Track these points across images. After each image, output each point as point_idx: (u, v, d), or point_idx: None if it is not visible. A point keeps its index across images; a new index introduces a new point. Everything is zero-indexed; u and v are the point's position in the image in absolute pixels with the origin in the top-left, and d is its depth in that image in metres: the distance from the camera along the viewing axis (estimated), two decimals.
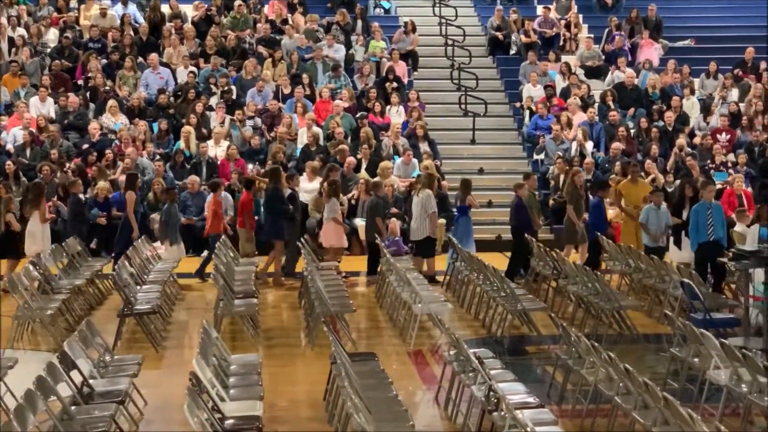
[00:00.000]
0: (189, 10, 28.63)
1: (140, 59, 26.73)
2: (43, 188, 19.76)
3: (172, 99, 25.63)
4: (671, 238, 19.09)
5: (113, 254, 19.63)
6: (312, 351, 14.72)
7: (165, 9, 28.50)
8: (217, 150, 24.03)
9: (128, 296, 15.23)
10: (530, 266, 18.84)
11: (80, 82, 26.40)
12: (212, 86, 25.91)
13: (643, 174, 22.07)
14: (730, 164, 24.16)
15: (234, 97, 25.73)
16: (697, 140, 25.16)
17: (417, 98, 26.18)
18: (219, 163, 23.59)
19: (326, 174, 20.98)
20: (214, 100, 25.51)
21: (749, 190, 22.87)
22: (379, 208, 20.22)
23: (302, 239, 19.00)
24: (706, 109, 26.13)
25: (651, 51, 28.17)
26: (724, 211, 21.31)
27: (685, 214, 18.54)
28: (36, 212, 18.81)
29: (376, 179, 21.51)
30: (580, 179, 20.49)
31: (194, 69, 26.40)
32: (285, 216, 19.69)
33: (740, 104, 26.17)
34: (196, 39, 27.62)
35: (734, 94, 26.72)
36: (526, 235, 19.07)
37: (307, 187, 22.36)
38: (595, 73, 27.94)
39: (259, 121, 25.15)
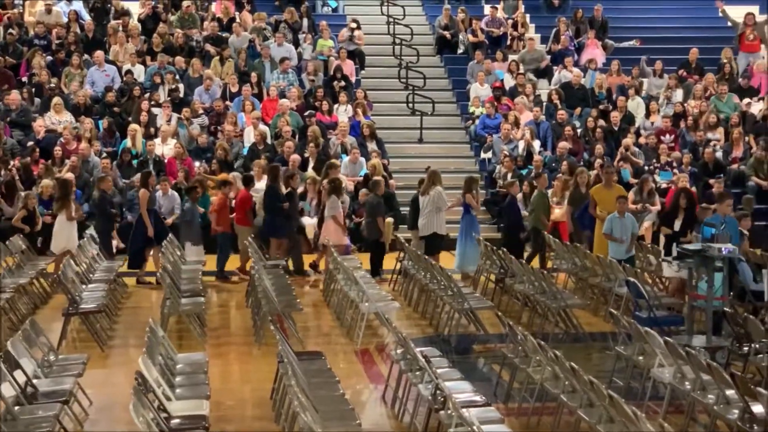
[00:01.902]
0: (135, 8, 28.46)
1: (86, 56, 26.54)
2: (70, 186, 19.94)
3: (119, 97, 25.47)
4: (661, 253, 17.93)
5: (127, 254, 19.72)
6: (259, 350, 14.68)
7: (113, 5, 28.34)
8: (164, 148, 23.91)
9: (73, 295, 15.11)
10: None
11: (24, 79, 26.16)
12: (158, 84, 25.77)
13: (592, 173, 21.69)
14: (674, 163, 24.36)
15: (181, 95, 25.62)
16: (642, 140, 25.36)
17: (364, 96, 26.20)
18: (166, 161, 23.47)
19: (326, 172, 20.96)
20: (161, 98, 25.37)
21: (693, 189, 23.07)
22: (379, 208, 20.17)
23: (248, 238, 18.95)
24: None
25: (595, 51, 28.35)
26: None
27: (677, 225, 18.01)
28: (63, 210, 19.07)
29: (375, 179, 21.47)
30: (584, 179, 20.20)
31: (137, 67, 26.25)
32: (282, 214, 19.65)
33: (684, 104, 26.41)
34: (143, 36, 27.47)
35: (679, 94, 26.96)
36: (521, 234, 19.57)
37: (255, 186, 22.27)
38: (541, 72, 28.08)
39: (206, 119, 25.05)
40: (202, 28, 27.87)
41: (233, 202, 20.72)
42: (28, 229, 20.54)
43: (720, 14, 28.70)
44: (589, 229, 19.04)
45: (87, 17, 28.03)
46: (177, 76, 26.06)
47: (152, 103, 25.08)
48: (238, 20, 28.06)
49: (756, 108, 26.37)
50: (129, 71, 25.92)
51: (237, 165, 23.54)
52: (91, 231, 20.16)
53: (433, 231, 19.49)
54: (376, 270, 19.54)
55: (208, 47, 27.24)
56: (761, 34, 28.22)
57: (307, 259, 20.62)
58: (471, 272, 19.35)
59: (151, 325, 11.52)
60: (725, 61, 27.50)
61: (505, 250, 18.06)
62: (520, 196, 22.02)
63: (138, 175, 21.44)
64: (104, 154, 23.53)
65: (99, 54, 26.23)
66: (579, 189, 19.98)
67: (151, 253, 19.26)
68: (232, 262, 20.03)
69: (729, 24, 28.55)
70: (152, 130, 24.48)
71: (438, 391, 10.02)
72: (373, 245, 19.92)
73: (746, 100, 26.48)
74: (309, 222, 21.58)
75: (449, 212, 20.32)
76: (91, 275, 17.56)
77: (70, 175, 21.98)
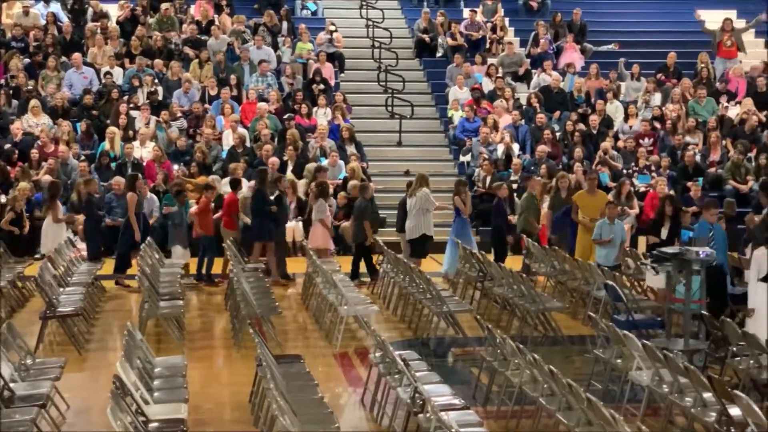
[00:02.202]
0: (114, 10, 28.38)
1: (64, 59, 26.45)
2: (58, 188, 20.07)
3: (97, 99, 25.40)
4: (642, 258, 16.87)
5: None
6: (238, 353, 14.66)
7: (92, 7, 28.26)
8: (142, 151, 23.85)
9: (51, 298, 15.05)
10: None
11: (2, 81, 26.06)
12: (137, 87, 25.71)
13: (572, 177, 21.56)
14: (653, 167, 24.44)
15: (160, 98, 25.57)
16: (620, 143, 25.43)
17: (344, 100, 26.20)
18: (145, 164, 23.41)
19: (314, 175, 20.91)
20: (140, 101, 25.31)
21: (672, 192, 23.15)
22: (366, 211, 20.14)
23: (227, 241, 18.93)
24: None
25: (574, 55, 28.43)
26: (646, 213, 21.61)
27: (664, 233, 17.66)
28: (50, 212, 19.33)
29: (363, 183, 21.50)
30: (565, 183, 20.06)
31: (116, 69, 26.19)
32: (270, 217, 19.63)
33: (663, 108, 26.51)
34: (121, 39, 27.40)
35: (657, 98, 27.05)
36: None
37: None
38: (520, 76, 28.13)
39: (184, 122, 25.01)
40: (181, 31, 27.83)
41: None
42: (18, 231, 20.48)
43: (701, 29, 28.81)
44: (570, 234, 18.94)
45: (65, 19, 27.95)
46: (156, 79, 26.00)
47: (131, 105, 25.02)
48: (216, 23, 28.02)
49: (733, 112, 26.49)
50: (108, 73, 25.85)
51: (216, 168, 23.51)
52: (69, 234, 20.10)
53: (421, 233, 19.42)
54: (356, 273, 19.51)
55: (187, 50, 27.19)
56: (738, 41, 28.36)
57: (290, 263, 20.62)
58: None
59: (129, 329, 11.49)
60: (702, 65, 27.62)
61: (484, 253, 18.10)
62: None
63: (116, 178, 21.40)
64: (82, 157, 23.46)
65: (77, 56, 26.16)
66: (559, 194, 19.85)
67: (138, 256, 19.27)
68: (217, 265, 19.97)
69: (706, 33, 28.69)
70: (131, 133, 24.42)
71: (417, 395, 10.02)
72: (359, 248, 19.88)
73: (724, 104, 26.59)
74: (289, 225, 21.54)
75: (440, 216, 20.32)
76: (69, 278, 17.49)
77: (47, 178, 21.95)
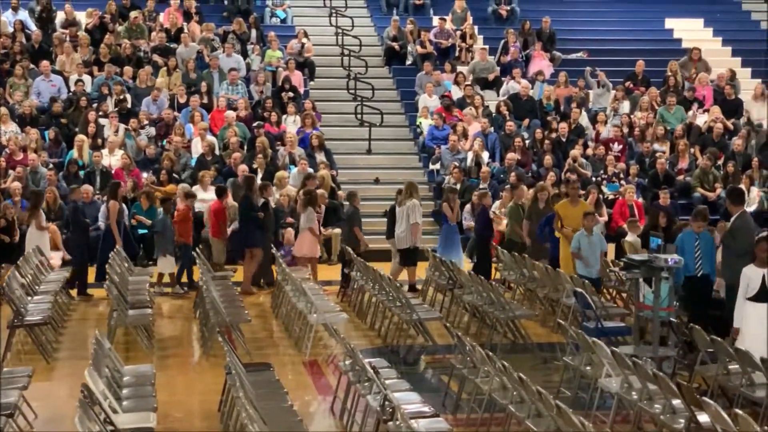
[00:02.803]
0: (83, 18, 28.27)
1: (32, 66, 26.32)
2: (41, 196, 20.08)
3: (66, 107, 25.28)
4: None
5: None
6: (207, 361, 14.62)
7: (60, 15, 28.13)
8: (111, 159, 23.75)
9: (18, 307, 14.95)
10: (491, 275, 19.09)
11: None
12: (106, 94, 25.60)
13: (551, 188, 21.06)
14: (622, 175, 24.54)
15: (129, 105, 25.47)
16: (589, 151, 25.52)
17: (313, 108, 26.19)
18: (113, 172, 23.30)
19: (302, 183, 20.89)
20: (109, 109, 25.20)
21: (640, 200, 23.27)
22: (356, 218, 20.18)
23: (197, 249, 18.88)
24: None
25: (543, 63, 28.52)
26: (615, 221, 21.65)
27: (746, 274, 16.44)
28: (33, 220, 19.35)
29: (352, 189, 21.59)
30: (544, 195, 19.32)
31: (85, 77, 26.06)
32: (257, 225, 19.58)
33: (631, 116, 26.63)
34: (91, 47, 27.29)
35: (626, 106, 27.17)
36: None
37: (201, 197, 22.20)
38: (489, 84, 28.20)
39: (153, 130, 24.93)
40: (150, 39, 27.74)
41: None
42: (8, 239, 20.37)
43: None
44: (550, 244, 18.41)
45: (33, 27, 27.79)
46: (125, 87, 25.90)
47: (99, 113, 24.92)
48: (186, 31, 27.95)
49: (701, 120, 26.64)
50: (79, 81, 25.72)
51: (185, 176, 23.44)
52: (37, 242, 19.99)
53: (410, 244, 19.36)
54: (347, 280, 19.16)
55: (156, 58, 27.12)
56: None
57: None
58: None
59: (98, 337, 11.43)
60: (670, 73, 27.78)
61: (453, 261, 18.11)
62: (468, 207, 22.09)
63: (84, 187, 21.32)
64: (50, 165, 23.34)
65: (45, 64, 26.02)
66: (538, 204, 19.31)
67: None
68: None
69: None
70: (99, 141, 24.32)
71: (386, 402, 10.01)
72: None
73: (692, 112, 26.73)
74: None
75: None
76: (36, 287, 17.38)
77: (16, 185, 21.85)
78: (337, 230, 21.78)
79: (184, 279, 19.78)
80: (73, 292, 18.98)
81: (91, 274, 19.36)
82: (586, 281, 15.94)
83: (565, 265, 17.43)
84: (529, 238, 19.12)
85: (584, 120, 26.61)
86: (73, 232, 19.77)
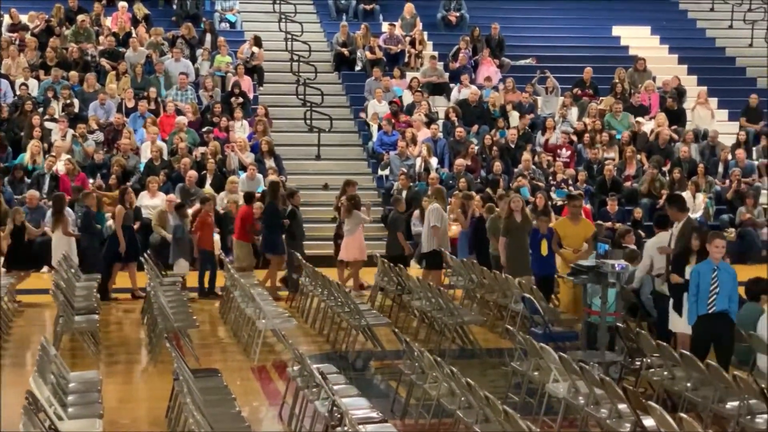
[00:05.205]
0: (27, 21, 28.04)
1: None
2: (64, 200, 19.98)
3: (11, 111, 25.04)
4: (670, 301, 13.76)
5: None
6: (154, 367, 14.54)
7: (6, 19, 27.87)
8: (57, 164, 23.56)
9: None
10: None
11: None
12: (52, 99, 25.40)
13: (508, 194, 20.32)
14: (570, 181, 24.69)
15: (76, 110, 25.29)
16: (538, 157, 25.64)
17: (266, 114, 26.13)
18: (60, 177, 23.13)
19: (343, 189, 20.96)
20: (55, 113, 25.01)
21: (588, 207, 23.40)
22: (399, 223, 20.28)
23: (145, 255, 18.78)
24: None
25: (491, 69, 28.64)
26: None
27: (688, 272, 13.23)
28: (59, 225, 19.28)
29: (398, 195, 21.73)
30: (517, 205, 18.00)
31: (30, 81, 25.86)
32: (282, 231, 19.63)
33: (579, 122, 26.81)
34: (37, 50, 27.07)
35: (574, 112, 27.35)
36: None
37: (149, 203, 22.11)
38: (439, 89, 28.28)
39: (101, 135, 24.76)
40: (98, 43, 27.56)
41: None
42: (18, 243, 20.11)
43: None
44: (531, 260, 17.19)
45: None
46: (72, 91, 25.72)
47: (46, 117, 24.73)
48: (134, 35, 27.81)
49: (648, 127, 26.86)
50: (24, 85, 25.51)
51: (133, 180, 23.30)
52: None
53: (432, 248, 19.30)
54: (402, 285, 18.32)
55: (104, 62, 26.95)
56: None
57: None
58: None
59: (44, 343, 11.33)
60: (618, 81, 28.00)
61: (401, 266, 18.12)
62: (417, 213, 22.10)
63: (30, 192, 21.19)
64: None
65: None
66: (513, 217, 17.89)
67: (120, 269, 19.54)
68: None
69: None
70: (45, 145, 24.12)
71: (335, 408, 10.00)
72: (395, 260, 19.74)
73: (638, 119, 26.95)
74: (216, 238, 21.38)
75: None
76: None
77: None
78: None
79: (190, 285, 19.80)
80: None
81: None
82: (534, 287, 16.01)
83: (566, 296, 16.25)
84: (504, 255, 17.88)
85: (535, 126, 26.76)
86: (86, 239, 19.67)
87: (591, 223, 17.72)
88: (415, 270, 20.91)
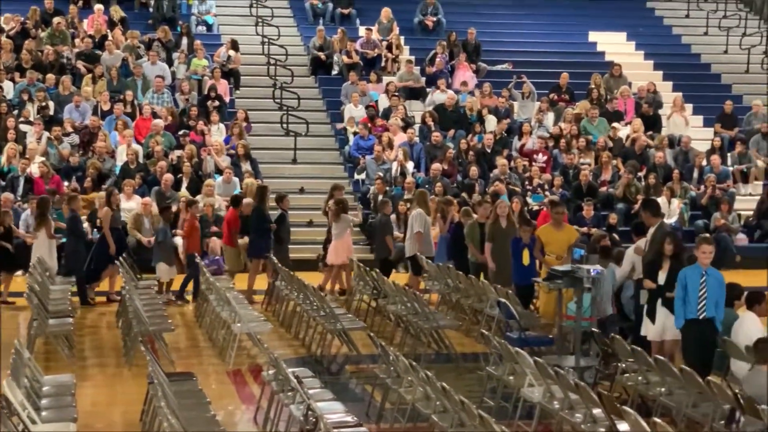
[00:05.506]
0: (2, 23, 27.91)
1: None
2: (48, 204, 19.75)
3: None
4: (645, 308, 13.61)
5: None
6: (129, 371, 14.49)
7: None
8: (31, 167, 23.45)
9: None
10: None
11: None
12: (27, 101, 25.29)
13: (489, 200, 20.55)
14: (546, 186, 24.75)
15: (51, 112, 25.19)
16: (514, 162, 25.67)
17: (245, 118, 26.10)
18: (34, 180, 23.03)
19: (330, 193, 20.93)
20: (30, 115, 24.90)
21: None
22: (386, 227, 20.20)
23: (120, 258, 18.72)
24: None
25: (467, 74, 28.69)
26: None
27: (662, 278, 13.37)
28: (43, 228, 19.02)
29: (384, 198, 21.78)
30: (504, 211, 17.91)
31: (7, 83, 25.74)
32: (269, 235, 19.63)
33: (556, 127, 26.87)
34: (13, 53, 26.95)
35: (550, 117, 27.41)
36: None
37: (125, 206, 22.03)
38: (415, 94, 28.30)
39: (76, 138, 24.66)
40: (74, 45, 27.47)
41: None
42: (9, 246, 19.96)
43: None
44: (513, 270, 16.99)
45: None
46: (47, 93, 25.61)
47: (21, 120, 24.63)
48: (110, 38, 27.72)
49: (623, 132, 26.95)
50: None
51: (108, 183, 23.22)
52: None
53: (413, 253, 19.33)
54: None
55: (80, 65, 26.86)
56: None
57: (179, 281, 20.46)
58: None
59: (17, 347, 11.28)
60: (594, 86, 28.09)
61: (377, 270, 18.13)
62: (393, 217, 22.12)
63: (4, 195, 21.08)
64: None
65: None
66: (499, 222, 17.80)
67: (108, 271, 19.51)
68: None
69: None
70: (21, 147, 24.02)
71: (310, 412, 9.99)
72: (382, 263, 19.81)
73: (614, 125, 27.03)
74: (180, 242, 21.31)
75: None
76: None
77: None
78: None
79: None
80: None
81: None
82: (510, 292, 16.03)
83: (548, 304, 15.92)
84: (492, 261, 17.66)
85: (512, 131, 26.82)
86: (71, 242, 19.55)
87: (574, 230, 17.53)
88: (399, 274, 20.88)
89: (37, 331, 14.94)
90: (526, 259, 16.67)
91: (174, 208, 22.07)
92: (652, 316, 13.33)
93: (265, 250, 19.64)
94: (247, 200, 20.80)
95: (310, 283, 16.69)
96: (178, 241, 21.32)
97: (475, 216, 19.35)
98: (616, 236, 21.24)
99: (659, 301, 13.19)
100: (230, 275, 19.96)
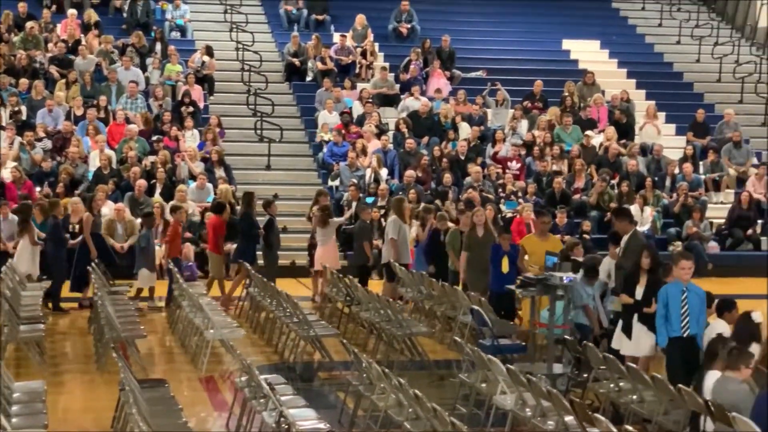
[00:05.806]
0: None
1: None
2: (30, 210, 19.71)
3: None
4: (619, 323, 13.65)
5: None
6: (101, 377, 14.44)
7: None
8: (3, 172, 23.35)
9: None
10: None
11: None
12: None
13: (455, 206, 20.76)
14: (519, 193, 24.80)
15: (24, 117, 25.09)
16: (488, 169, 25.73)
17: (219, 124, 26.06)
18: (6, 185, 22.92)
19: (315, 199, 20.97)
20: (3, 120, 24.80)
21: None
22: (365, 233, 20.17)
23: (92, 264, 18.65)
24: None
25: (441, 81, 28.74)
26: (513, 239, 21.59)
27: (639, 292, 13.26)
28: (26, 234, 18.95)
29: (361, 204, 21.77)
30: (480, 219, 17.63)
31: None
32: (256, 241, 19.67)
33: (529, 134, 26.94)
34: None
35: (524, 124, 27.49)
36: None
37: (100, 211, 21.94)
38: (389, 101, 28.33)
39: (48, 143, 24.56)
40: (47, 50, 27.36)
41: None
42: None
43: None
44: (491, 279, 16.79)
45: None
46: (20, 98, 25.52)
47: None
48: (84, 43, 27.63)
49: (597, 140, 27.05)
50: None
51: (81, 188, 23.14)
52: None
53: (388, 260, 19.33)
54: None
55: (53, 69, 26.76)
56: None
57: (161, 286, 20.40)
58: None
59: None
60: (567, 94, 28.19)
61: (350, 277, 18.13)
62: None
63: None
64: None
65: None
66: (475, 231, 17.63)
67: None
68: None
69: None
70: None
71: (282, 419, 9.98)
72: (359, 270, 19.79)
73: (587, 132, 27.13)
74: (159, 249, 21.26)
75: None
76: None
77: None
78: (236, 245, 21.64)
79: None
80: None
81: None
82: (483, 299, 16.04)
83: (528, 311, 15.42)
84: (463, 271, 17.64)
85: (485, 138, 26.88)
86: (51, 247, 19.43)
87: (558, 240, 17.53)
88: (374, 281, 20.88)
89: (8, 337, 14.86)
90: (505, 267, 16.50)
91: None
92: (628, 332, 13.31)
93: (252, 256, 19.61)
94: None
95: (283, 290, 16.67)
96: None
97: (451, 225, 19.41)
98: (590, 244, 21.32)
99: (636, 316, 13.16)
100: (218, 282, 19.87)
